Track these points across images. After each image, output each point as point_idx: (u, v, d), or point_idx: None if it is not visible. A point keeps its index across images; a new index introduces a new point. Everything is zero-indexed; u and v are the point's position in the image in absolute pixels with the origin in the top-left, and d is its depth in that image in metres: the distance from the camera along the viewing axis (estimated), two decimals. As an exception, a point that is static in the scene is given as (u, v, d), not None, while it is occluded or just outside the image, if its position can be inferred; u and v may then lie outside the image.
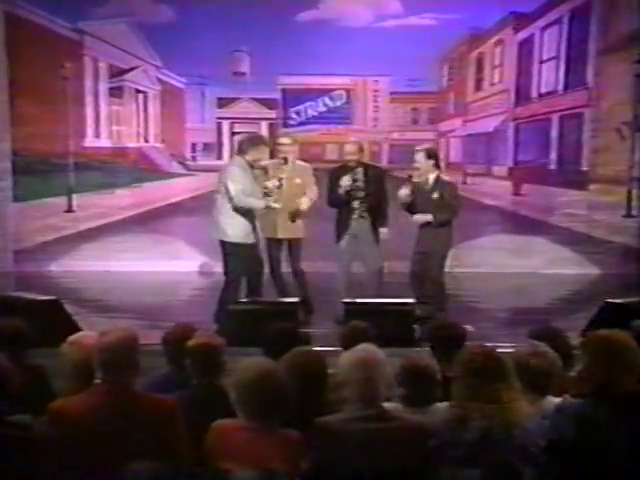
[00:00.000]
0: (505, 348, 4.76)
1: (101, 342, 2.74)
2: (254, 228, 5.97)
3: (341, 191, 6.10)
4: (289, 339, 3.77)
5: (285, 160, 6.28)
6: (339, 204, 6.20)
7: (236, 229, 5.87)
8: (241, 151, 6.00)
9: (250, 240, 5.91)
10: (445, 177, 6.24)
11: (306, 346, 4.19)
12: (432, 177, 6.06)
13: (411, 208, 6.11)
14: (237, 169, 5.93)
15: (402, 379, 2.99)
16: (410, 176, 6.19)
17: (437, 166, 6.11)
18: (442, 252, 6.06)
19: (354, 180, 6.15)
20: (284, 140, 6.48)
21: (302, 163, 6.46)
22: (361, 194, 6.17)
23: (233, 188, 5.81)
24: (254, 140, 6.10)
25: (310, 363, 3.04)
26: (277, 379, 2.67)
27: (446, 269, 6.27)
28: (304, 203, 6.20)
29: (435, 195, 6.02)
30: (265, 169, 6.18)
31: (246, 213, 5.88)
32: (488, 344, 4.88)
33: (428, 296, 6.06)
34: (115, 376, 2.68)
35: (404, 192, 6.02)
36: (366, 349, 2.78)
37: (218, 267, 6.27)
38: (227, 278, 5.98)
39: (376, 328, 3.99)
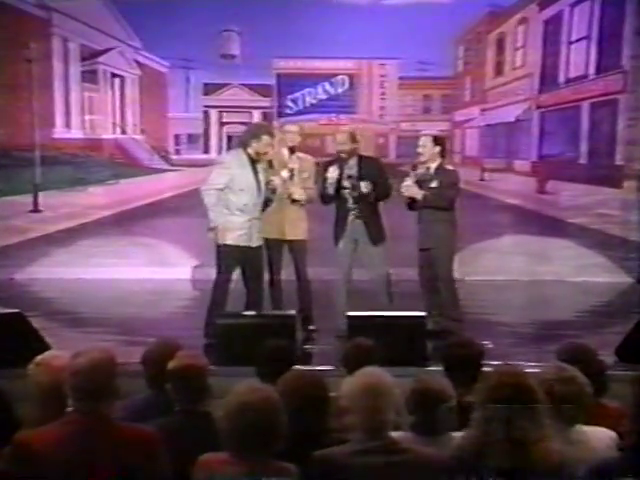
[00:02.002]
0: (527, 368, 4.83)
1: (74, 364, 2.73)
2: (254, 229, 5.95)
3: (327, 185, 6.09)
4: (286, 358, 3.78)
5: (292, 150, 6.28)
6: (329, 199, 6.19)
7: (230, 229, 5.88)
8: (241, 143, 6.02)
9: (247, 242, 5.90)
10: (448, 166, 6.27)
11: (305, 366, 4.20)
12: (434, 166, 6.08)
13: (415, 205, 6.11)
14: (229, 160, 5.97)
15: (412, 404, 2.99)
16: (414, 166, 6.19)
17: (443, 155, 6.15)
18: (446, 247, 6.06)
19: (348, 176, 6.10)
20: (292, 128, 6.46)
21: (305, 156, 6.45)
22: (355, 192, 6.14)
23: (210, 179, 5.90)
24: (255, 130, 6.09)
25: (309, 386, 3.04)
26: (271, 406, 2.66)
27: (458, 275, 6.27)
28: (297, 193, 6.19)
29: (434, 184, 6.03)
30: (270, 162, 6.18)
31: (245, 211, 5.88)
32: (506, 363, 5.01)
33: (439, 305, 6.05)
34: (89, 403, 2.67)
35: (408, 185, 6.02)
36: (372, 373, 2.78)
37: (210, 274, 6.27)
38: (214, 281, 5.99)
39: (383, 345, 3.99)
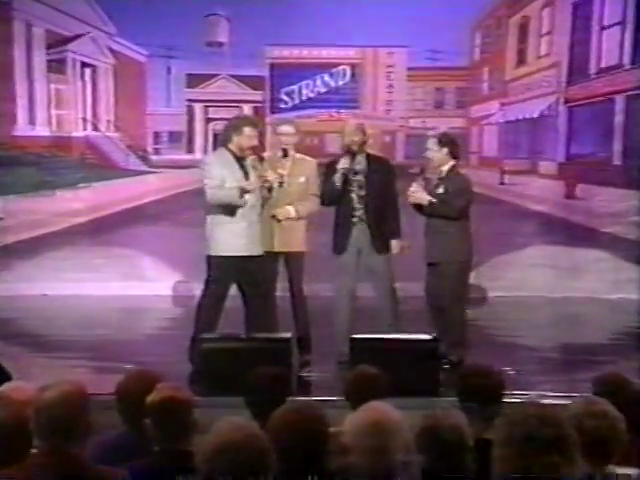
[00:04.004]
0: (554, 399, 4.84)
1: (40, 399, 2.74)
2: (254, 235, 5.97)
3: (337, 177, 6.11)
4: (280, 387, 3.79)
5: (285, 152, 6.28)
6: (332, 197, 6.20)
7: (222, 239, 5.89)
8: (222, 141, 6.08)
9: (246, 251, 5.91)
10: (461, 170, 6.28)
11: (301, 396, 4.19)
12: (445, 169, 6.11)
13: (424, 210, 6.14)
14: (212, 160, 6.02)
15: (423, 443, 3.00)
16: (422, 170, 6.22)
17: (454, 156, 6.15)
18: (456, 262, 6.05)
19: (355, 172, 6.15)
20: (285, 128, 6.38)
21: (306, 158, 6.45)
22: (361, 191, 6.19)
23: (206, 186, 5.89)
24: (235, 122, 6.14)
25: (307, 421, 3.04)
26: (257, 445, 2.65)
27: (476, 293, 6.26)
28: (283, 213, 6.16)
29: (440, 189, 6.06)
30: (260, 157, 6.20)
31: (241, 215, 5.90)
32: (531, 393, 5.02)
33: (443, 327, 6.03)
34: (58, 443, 2.67)
35: (414, 190, 6.05)
36: (378, 409, 2.79)
37: (195, 289, 6.28)
38: (202, 297, 6.00)
39: (390, 373, 3.99)
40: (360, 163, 6.21)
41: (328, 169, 6.26)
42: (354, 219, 6.21)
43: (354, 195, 6.20)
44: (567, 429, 2.64)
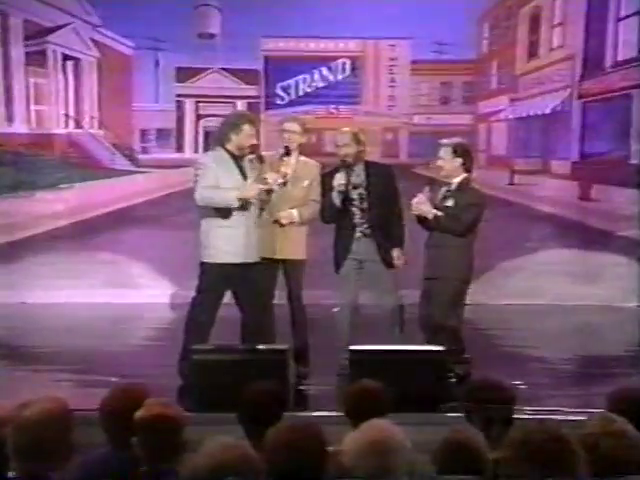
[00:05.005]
0: (568, 415, 4.85)
1: (19, 418, 2.74)
2: (250, 241, 5.96)
3: (335, 195, 6.09)
4: (276, 402, 3.78)
5: (287, 151, 6.23)
6: (332, 214, 6.19)
7: (217, 245, 5.89)
8: (219, 140, 6.02)
9: (241, 258, 5.90)
10: (474, 184, 6.24)
11: (298, 411, 4.18)
12: (456, 182, 6.08)
13: (428, 222, 6.12)
14: (208, 160, 5.97)
15: (444, 458, 2.98)
16: (431, 181, 6.21)
17: (466, 169, 6.13)
18: (454, 280, 6.03)
19: (354, 186, 6.13)
20: (291, 126, 6.30)
21: (309, 160, 6.42)
22: (363, 204, 6.17)
23: (197, 188, 5.87)
24: (233, 120, 6.09)
25: (305, 440, 3.05)
26: (248, 467, 2.66)
27: (485, 299, 6.26)
28: (287, 217, 6.15)
29: (449, 202, 6.05)
30: (261, 157, 6.19)
31: (237, 219, 5.90)
32: (542, 408, 5.02)
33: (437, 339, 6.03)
34: (38, 466, 2.67)
35: (418, 201, 6.03)
36: (379, 428, 2.79)
37: (186, 297, 6.27)
38: (193, 305, 5.99)
39: (392, 387, 3.99)
40: (359, 175, 6.19)
41: (324, 183, 6.23)
42: (357, 234, 6.21)
43: (355, 210, 6.19)
44: (574, 446, 2.65)
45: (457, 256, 6.01)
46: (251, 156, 6.08)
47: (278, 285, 6.31)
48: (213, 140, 6.25)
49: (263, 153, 6.32)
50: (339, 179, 6.09)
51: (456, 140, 6.40)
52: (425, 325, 6.10)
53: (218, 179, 5.88)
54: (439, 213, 5.97)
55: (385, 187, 6.23)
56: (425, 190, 6.11)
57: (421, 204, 6.02)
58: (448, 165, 6.08)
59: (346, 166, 6.16)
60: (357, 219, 6.19)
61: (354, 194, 6.17)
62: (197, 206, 5.97)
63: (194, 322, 5.97)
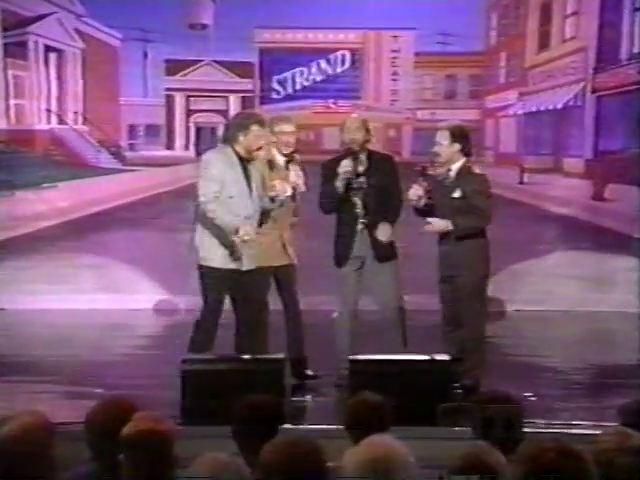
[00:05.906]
0: (581, 428, 4.85)
1: (-2, 433, 2.75)
2: (245, 248, 5.95)
3: (339, 181, 6.10)
4: (271, 415, 3.79)
5: (291, 157, 6.27)
6: (333, 203, 6.20)
7: (213, 248, 5.90)
8: (227, 140, 6.02)
9: (235, 265, 5.91)
10: (476, 169, 6.21)
11: (295, 424, 4.17)
12: (455, 168, 6.07)
13: (427, 212, 6.11)
14: (214, 159, 5.96)
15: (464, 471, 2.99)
16: (424, 168, 6.19)
17: (465, 153, 6.12)
18: (474, 274, 6.05)
19: (358, 174, 6.14)
20: (287, 127, 6.34)
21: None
22: (366, 194, 6.18)
23: (202, 187, 5.85)
24: (241, 120, 6.08)
25: (303, 455, 3.05)
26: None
27: (493, 305, 6.26)
28: (281, 189, 6.02)
29: (456, 194, 6.02)
30: (270, 162, 6.21)
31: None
32: (554, 422, 5.03)
33: (460, 347, 6.03)
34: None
35: (414, 192, 6.03)
36: (381, 444, 2.79)
37: (176, 303, 6.27)
38: (201, 312, 6.01)
39: (395, 399, 3.99)
40: (362, 164, 6.20)
41: (325, 170, 6.25)
42: (359, 226, 6.21)
43: (358, 200, 6.20)
44: (588, 463, 2.66)
45: (474, 251, 6.01)
46: (260, 157, 6.07)
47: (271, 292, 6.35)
48: (220, 141, 6.24)
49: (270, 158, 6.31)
50: (345, 165, 6.08)
51: (453, 123, 6.41)
52: (451, 331, 6.07)
53: (224, 181, 5.87)
54: (452, 225, 5.92)
55: (387, 178, 6.23)
56: (419, 180, 6.09)
57: (433, 223, 5.94)
58: (446, 151, 6.04)
59: (352, 153, 6.18)
60: (359, 209, 6.20)
61: (357, 183, 6.18)
62: (195, 205, 5.98)
63: (201, 329, 5.95)
